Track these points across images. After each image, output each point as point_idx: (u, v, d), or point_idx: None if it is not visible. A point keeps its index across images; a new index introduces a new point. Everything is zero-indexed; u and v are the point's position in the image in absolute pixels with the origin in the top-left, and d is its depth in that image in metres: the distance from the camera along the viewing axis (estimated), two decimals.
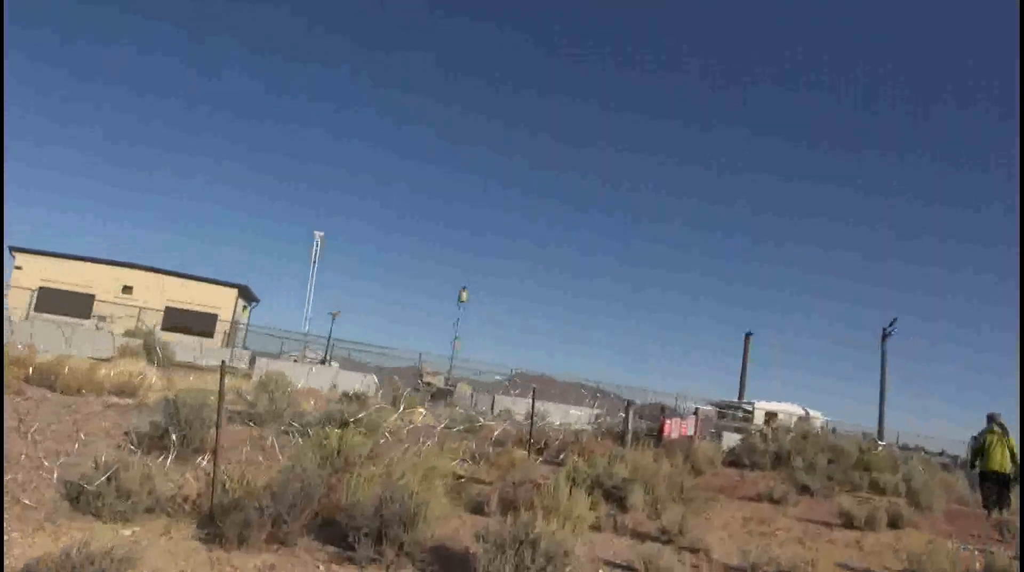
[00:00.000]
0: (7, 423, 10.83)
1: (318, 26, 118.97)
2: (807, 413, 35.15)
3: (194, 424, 10.56)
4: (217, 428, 8.08)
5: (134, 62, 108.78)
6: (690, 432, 18.70)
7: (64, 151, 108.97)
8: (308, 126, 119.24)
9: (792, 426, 27.06)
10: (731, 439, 22.70)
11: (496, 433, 16.34)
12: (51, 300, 38.42)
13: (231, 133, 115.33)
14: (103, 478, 7.50)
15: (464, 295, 45.99)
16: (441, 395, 37.54)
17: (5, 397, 12.87)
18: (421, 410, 17.66)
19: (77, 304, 38.50)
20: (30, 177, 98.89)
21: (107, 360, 23.73)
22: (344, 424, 10.91)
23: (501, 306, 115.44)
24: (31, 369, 16.01)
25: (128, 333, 31.10)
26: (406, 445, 12.77)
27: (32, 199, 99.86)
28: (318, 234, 47.45)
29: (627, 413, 16.73)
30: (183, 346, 34.53)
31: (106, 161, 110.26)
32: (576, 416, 23.15)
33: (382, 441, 11.51)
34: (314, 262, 47.67)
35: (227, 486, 7.67)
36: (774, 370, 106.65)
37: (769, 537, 10.96)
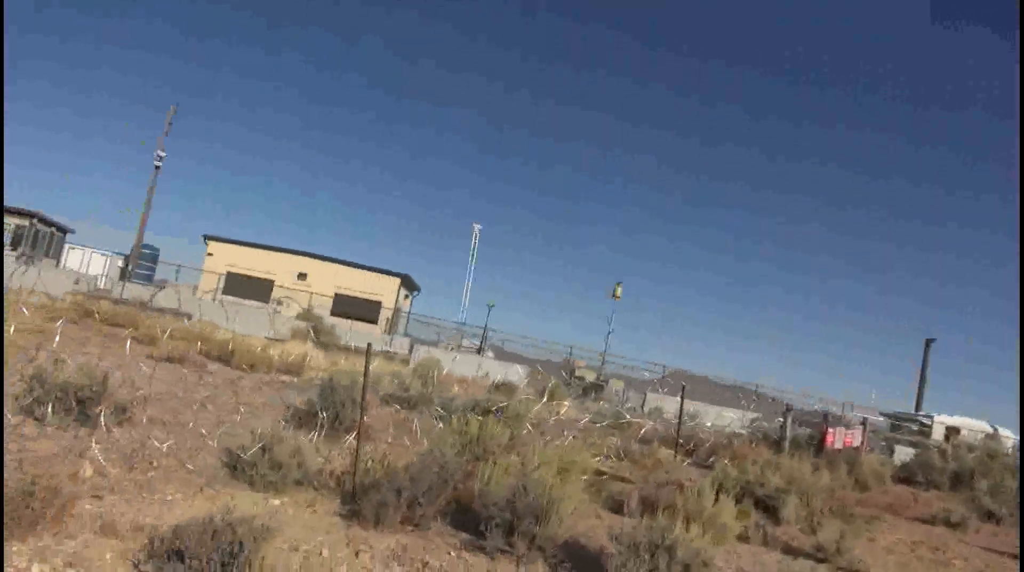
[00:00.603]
0: (182, 394, 11.79)
1: (481, 35, 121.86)
2: (995, 431, 31.69)
3: (345, 404, 11.00)
4: (362, 409, 8.30)
5: (300, 70, 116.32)
6: (856, 443, 17.31)
7: (241, 157, 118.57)
8: (467, 121, 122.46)
9: (977, 444, 24.49)
10: (904, 454, 20.88)
11: (643, 431, 15.90)
12: (236, 284, 41.86)
13: (392, 131, 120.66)
14: (257, 448, 7.91)
15: (619, 291, 45.47)
16: (592, 390, 37.36)
17: (184, 368, 14.02)
18: (566, 403, 17.50)
19: (258, 289, 41.72)
20: (224, 170, 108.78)
21: (280, 341, 25.46)
22: (487, 412, 10.93)
23: (658, 304, 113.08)
24: (211, 346, 17.40)
25: (300, 316, 33.20)
26: (548, 437, 12.67)
27: (222, 192, 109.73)
28: (476, 226, 48.70)
29: (785, 418, 15.72)
30: (349, 331, 36.53)
31: (283, 159, 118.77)
32: (730, 419, 22.11)
33: (524, 432, 11.44)
34: (472, 253, 48.97)
35: (369, 466, 7.86)
36: (960, 381, 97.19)
37: (943, 566, 9.87)
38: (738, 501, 10.02)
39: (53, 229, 44.93)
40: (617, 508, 9.61)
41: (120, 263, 45.76)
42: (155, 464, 8.03)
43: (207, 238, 43.53)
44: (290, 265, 42.98)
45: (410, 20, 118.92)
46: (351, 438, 9.78)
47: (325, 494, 7.94)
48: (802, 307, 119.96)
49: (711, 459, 14.32)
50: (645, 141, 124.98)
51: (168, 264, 45.95)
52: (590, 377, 40.50)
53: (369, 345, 8.45)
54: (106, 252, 47.38)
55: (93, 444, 7.68)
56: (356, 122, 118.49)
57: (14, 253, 39.38)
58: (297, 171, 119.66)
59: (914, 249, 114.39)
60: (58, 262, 44.24)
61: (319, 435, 9.92)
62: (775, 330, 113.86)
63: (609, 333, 44.04)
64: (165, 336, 16.61)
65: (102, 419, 8.38)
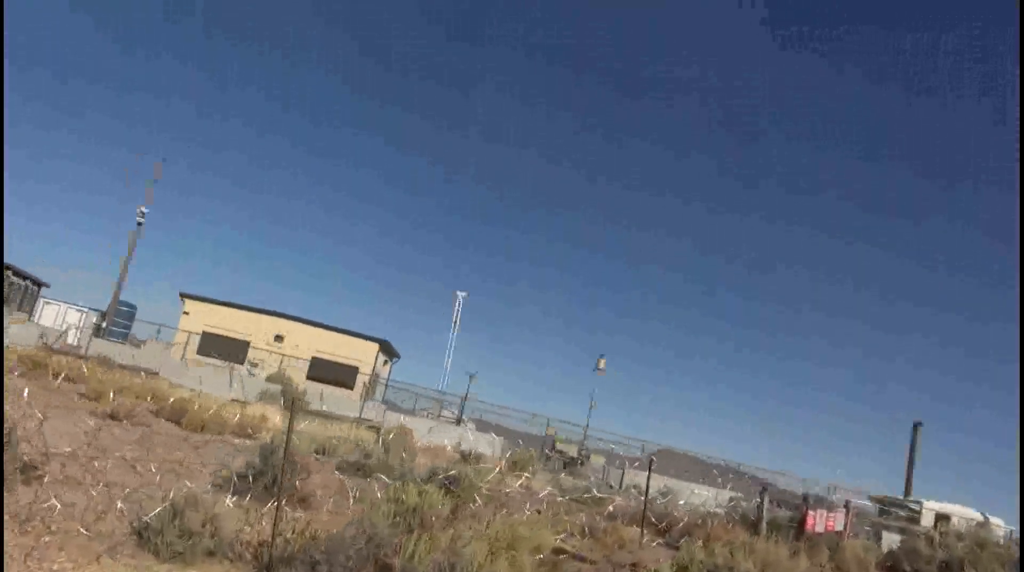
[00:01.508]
0: (112, 452, 10.96)
1: (475, 97, 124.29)
2: (986, 519, 30.64)
3: (284, 468, 10.21)
4: (279, 474, 7.56)
5: (301, 126, 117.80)
6: (838, 527, 16.41)
7: (226, 208, 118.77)
8: (452, 189, 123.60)
9: (967, 532, 23.50)
10: (891, 540, 19.90)
11: (613, 507, 15.02)
12: (212, 344, 40.94)
13: (379, 196, 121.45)
14: (166, 513, 7.13)
15: (602, 364, 44.78)
16: (572, 464, 36.25)
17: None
18: (528, 475, 16.63)
19: (234, 349, 40.79)
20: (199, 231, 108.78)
21: (245, 403, 24.54)
22: (430, 481, 10.14)
23: (645, 380, 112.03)
24: (163, 405, 16.57)
25: (270, 378, 32.30)
26: (506, 511, 11.84)
27: (199, 250, 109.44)
28: (460, 294, 48.23)
29: (762, 498, 14.88)
30: (325, 396, 35.53)
31: (258, 217, 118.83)
32: (705, 496, 21.15)
33: (475, 504, 10.63)
34: (455, 321, 48.36)
35: (290, 536, 7.09)
36: (949, 467, 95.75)
37: None
38: None
39: (28, 282, 44.18)
40: None
41: (95, 319, 44.88)
42: (53, 528, 7.22)
43: (183, 296, 42.84)
44: (267, 326, 42.19)
45: (397, 79, 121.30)
46: (281, 504, 8.98)
47: (239, 567, 7.13)
48: (791, 389, 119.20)
49: (683, 539, 13.44)
50: (636, 216, 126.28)
51: (145, 322, 45.15)
52: (571, 451, 39.43)
53: (294, 401, 7.78)
54: (82, 307, 46.52)
55: None
56: (342, 183, 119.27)
57: None
58: (279, 231, 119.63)
59: (905, 333, 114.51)
60: (31, 316, 43.33)
61: (250, 500, 9.11)
62: (763, 409, 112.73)
63: (591, 408, 43.05)
64: (112, 393, 15.81)
65: None
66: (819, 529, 15.92)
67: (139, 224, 43.68)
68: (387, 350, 45.54)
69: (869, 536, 21.21)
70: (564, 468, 33.26)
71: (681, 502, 18.25)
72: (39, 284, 45.92)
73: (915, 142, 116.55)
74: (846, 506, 17.80)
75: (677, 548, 12.54)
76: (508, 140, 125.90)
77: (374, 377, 42.33)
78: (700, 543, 12.85)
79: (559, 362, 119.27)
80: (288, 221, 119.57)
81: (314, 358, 41.28)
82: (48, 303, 46.23)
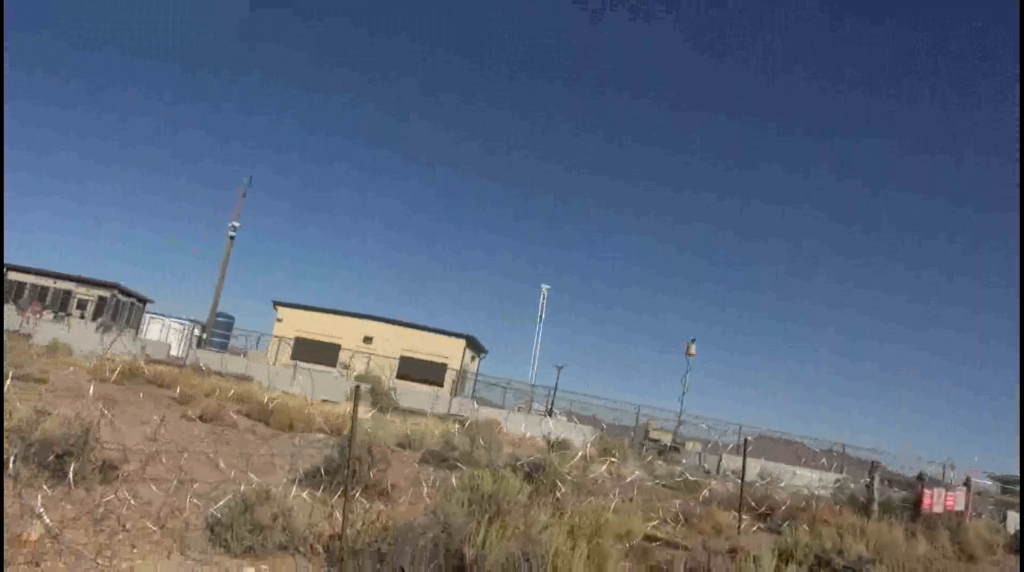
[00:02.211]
0: (194, 451, 11.07)
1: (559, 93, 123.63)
2: None
3: (362, 459, 10.04)
4: (347, 461, 7.31)
5: (363, 131, 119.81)
6: (958, 507, 15.15)
7: (318, 216, 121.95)
8: (535, 180, 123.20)
9: None
10: (1016, 521, 18.33)
11: (708, 492, 14.29)
12: (305, 349, 41.99)
13: (463, 191, 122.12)
14: (237, 508, 6.98)
15: (692, 348, 43.46)
16: (667, 451, 35.39)
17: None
18: (613, 460, 16.03)
19: (326, 353, 41.70)
20: (293, 234, 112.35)
21: (334, 403, 24.87)
22: (511, 469, 9.75)
23: (744, 362, 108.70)
24: (251, 406, 16.82)
25: (358, 378, 32.75)
26: (592, 497, 11.33)
27: (293, 257, 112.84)
28: (544, 287, 47.88)
29: (872, 476, 13.83)
30: (415, 393, 35.83)
31: (345, 219, 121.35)
32: (808, 479, 19.99)
33: (559, 492, 10.17)
34: (540, 314, 48.07)
35: (360, 528, 6.82)
36: None
37: None
38: None
39: (133, 300, 46.42)
40: None
41: (197, 332, 46.79)
42: (127, 525, 7.20)
43: (276, 304, 44.10)
44: (356, 329, 42.95)
45: (480, 80, 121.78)
46: (350, 495, 8.76)
47: (311, 559, 6.91)
48: (904, 364, 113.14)
49: (785, 523, 12.62)
50: (719, 191, 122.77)
51: (243, 331, 46.68)
52: (665, 438, 38.60)
53: (358, 388, 7.51)
54: (184, 321, 48.63)
55: (39, 502, 6.89)
56: (423, 182, 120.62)
57: (93, 322, 40.70)
58: (366, 234, 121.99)
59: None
60: (137, 331, 45.54)
61: (323, 493, 8.95)
62: (871, 388, 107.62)
63: (683, 393, 41.83)
64: (207, 396, 16.16)
65: (71, 475, 7.63)
66: (937, 509, 14.72)
67: (230, 238, 45.33)
68: (474, 346, 45.62)
69: (994, 516, 19.63)
70: (659, 455, 32.50)
71: (781, 485, 17.28)
72: (144, 301, 48.20)
73: None
74: (967, 484, 16.46)
75: (779, 532, 11.75)
76: (594, 132, 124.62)
77: (462, 373, 42.46)
78: (805, 527, 12.04)
79: (648, 350, 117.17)
80: (370, 225, 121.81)
81: (402, 357, 41.74)
82: (153, 318, 48.54)
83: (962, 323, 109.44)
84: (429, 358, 41.86)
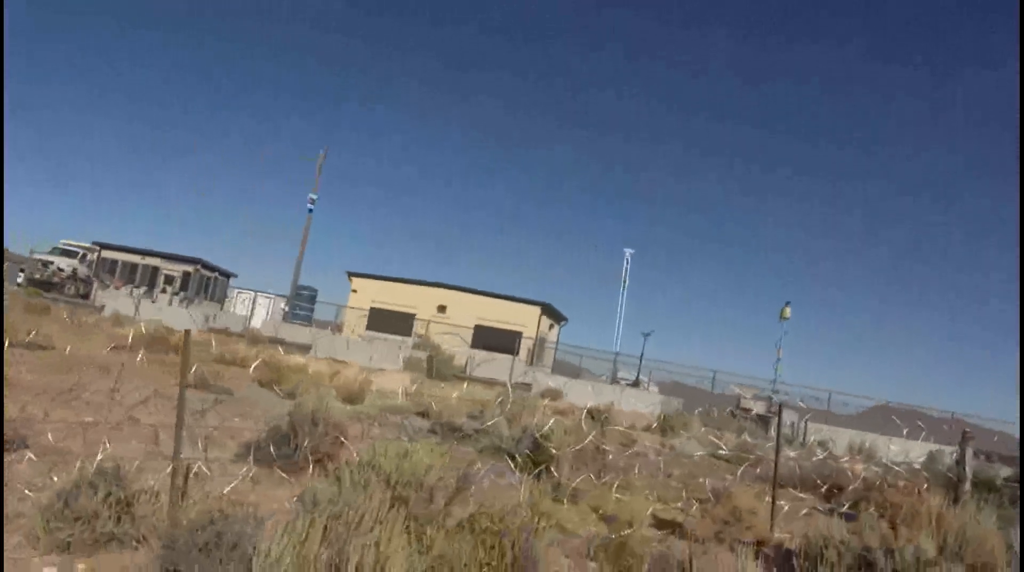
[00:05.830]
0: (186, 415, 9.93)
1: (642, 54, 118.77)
2: None
3: (304, 427, 8.58)
4: (178, 422, 5.80)
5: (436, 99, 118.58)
6: None
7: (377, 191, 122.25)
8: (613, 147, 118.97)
9: None
10: None
11: (759, 469, 12.10)
12: (380, 319, 41.46)
13: (541, 162, 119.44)
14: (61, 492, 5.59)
15: (787, 311, 40.04)
16: (760, 422, 32.73)
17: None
18: (676, 432, 13.95)
19: (400, 323, 40.98)
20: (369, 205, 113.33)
21: (380, 371, 23.78)
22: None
23: (852, 328, 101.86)
24: (267, 373, 15.79)
25: (416, 346, 31.70)
26: (607, 475, 9.48)
27: (369, 228, 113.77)
28: (628, 251, 45.40)
29: (962, 449, 11.23)
30: (491, 363, 34.53)
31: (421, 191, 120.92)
32: (895, 450, 17.22)
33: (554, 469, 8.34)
34: (624, 280, 45.65)
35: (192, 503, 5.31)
36: None
37: None
38: None
39: (216, 274, 47.19)
40: None
41: (283, 305, 47.16)
42: None
43: (351, 274, 43.73)
44: (431, 298, 42.04)
45: (560, 45, 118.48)
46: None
47: (143, 552, 5.45)
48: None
49: (846, 505, 10.35)
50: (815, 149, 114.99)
51: (326, 303, 46.63)
52: (757, 408, 35.86)
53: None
54: (270, 294, 49.18)
55: None
56: (498, 147, 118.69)
57: (176, 296, 41.56)
58: (440, 201, 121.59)
59: None
60: (222, 305, 46.36)
61: (265, 467, 7.52)
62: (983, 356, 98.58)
63: (778, 360, 38.61)
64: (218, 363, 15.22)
65: None
66: None
67: (310, 210, 45.21)
68: (551, 314, 43.86)
69: None
70: (755, 426, 29.95)
71: (880, 457, 14.69)
72: (227, 275, 48.99)
73: None
74: None
75: (846, 516, 9.49)
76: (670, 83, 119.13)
77: (538, 341, 40.83)
78: (872, 510, 9.78)
79: (739, 315, 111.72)
80: (444, 191, 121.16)
81: (477, 326, 40.53)
82: (240, 292, 49.34)
83: None
84: (504, 326, 40.44)
